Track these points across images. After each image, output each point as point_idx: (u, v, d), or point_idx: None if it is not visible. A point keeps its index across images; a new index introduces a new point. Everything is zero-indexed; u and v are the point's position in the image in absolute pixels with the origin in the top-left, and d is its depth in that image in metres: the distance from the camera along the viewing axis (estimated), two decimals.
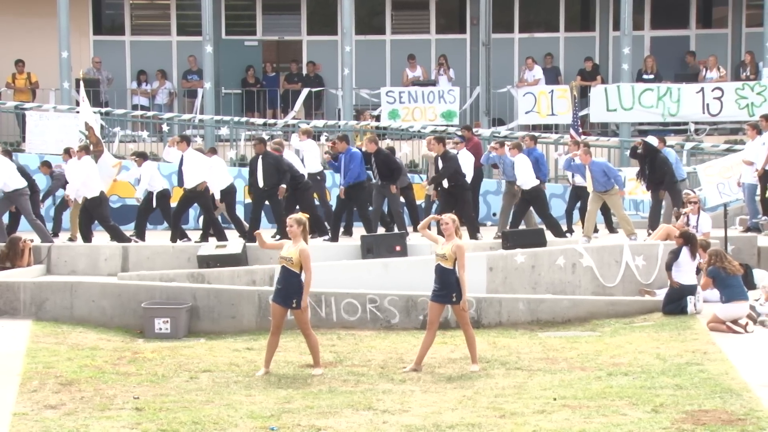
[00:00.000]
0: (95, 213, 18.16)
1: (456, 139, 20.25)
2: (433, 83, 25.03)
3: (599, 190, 17.90)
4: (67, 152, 19.03)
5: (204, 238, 18.52)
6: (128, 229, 18.79)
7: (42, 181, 19.85)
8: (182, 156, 18.48)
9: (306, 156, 19.81)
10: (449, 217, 12.17)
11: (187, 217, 19.71)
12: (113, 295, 14.85)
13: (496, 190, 20.96)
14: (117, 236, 18.06)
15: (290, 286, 11.78)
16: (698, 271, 14.44)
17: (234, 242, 17.67)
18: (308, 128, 20.46)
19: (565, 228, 19.02)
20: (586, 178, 17.94)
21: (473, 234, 18.34)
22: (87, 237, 18.13)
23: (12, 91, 24.85)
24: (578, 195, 19.09)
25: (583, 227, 18.10)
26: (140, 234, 18.69)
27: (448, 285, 11.90)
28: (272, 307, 12.08)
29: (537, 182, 18.59)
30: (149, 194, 19.00)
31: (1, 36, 25.47)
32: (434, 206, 20.33)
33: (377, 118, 23.90)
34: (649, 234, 17.91)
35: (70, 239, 18.71)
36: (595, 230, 18.55)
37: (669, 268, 14.60)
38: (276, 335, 11.95)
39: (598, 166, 18.04)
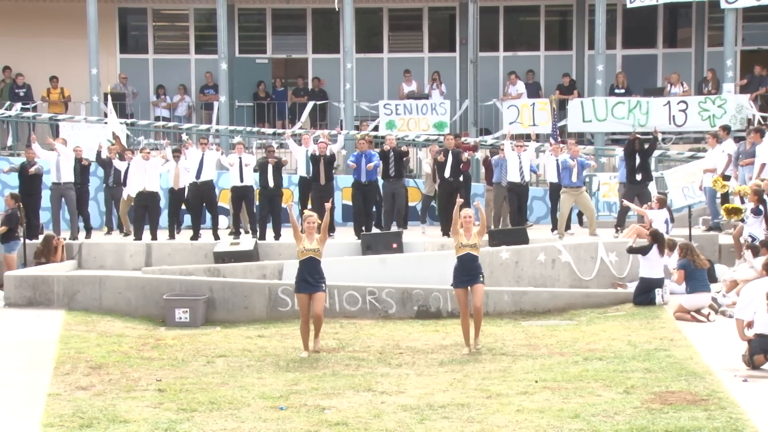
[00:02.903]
0: (152, 205, 18.19)
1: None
2: (426, 97, 24.97)
3: (579, 185, 18.00)
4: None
5: (236, 234, 18.52)
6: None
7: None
8: (240, 158, 18.50)
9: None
10: (471, 211, 12.33)
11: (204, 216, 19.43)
12: (138, 288, 14.84)
13: (482, 192, 20.90)
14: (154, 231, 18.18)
15: (317, 273, 12.07)
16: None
17: (246, 240, 17.63)
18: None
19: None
20: (572, 173, 17.92)
21: None
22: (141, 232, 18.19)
23: (47, 104, 24.82)
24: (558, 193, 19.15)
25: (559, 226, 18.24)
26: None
27: (477, 269, 12.09)
28: (300, 298, 12.12)
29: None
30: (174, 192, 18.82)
31: (37, 55, 25.42)
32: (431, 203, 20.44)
33: (376, 128, 23.89)
34: (617, 230, 17.96)
35: (126, 234, 18.75)
36: (567, 227, 18.59)
37: (630, 251, 14.78)
38: (307, 323, 12.07)
39: (580, 162, 18.23)
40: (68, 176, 18.54)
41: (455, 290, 12.32)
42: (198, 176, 18.26)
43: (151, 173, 18.25)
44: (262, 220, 18.37)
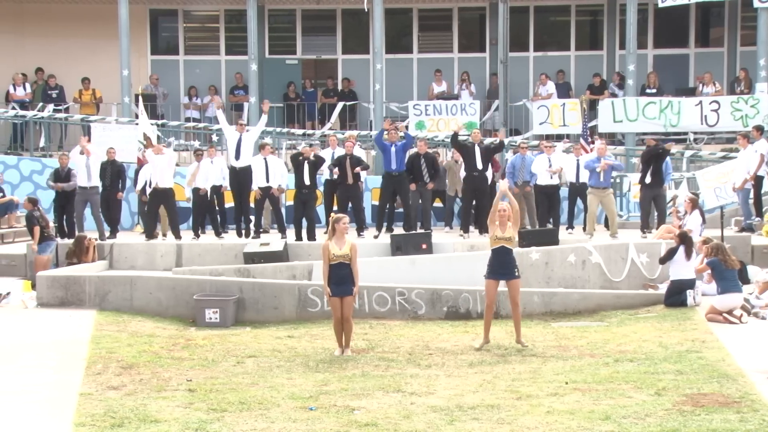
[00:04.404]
0: (168, 203, 17.97)
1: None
2: (456, 97, 24.95)
3: (605, 185, 18.00)
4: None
5: (283, 232, 18.44)
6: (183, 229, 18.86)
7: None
8: (265, 159, 18.52)
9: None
10: (507, 205, 12.37)
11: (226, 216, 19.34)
12: (168, 288, 14.92)
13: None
14: (176, 230, 18.02)
15: (346, 277, 12.08)
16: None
17: (276, 240, 17.68)
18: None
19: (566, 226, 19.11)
20: (600, 174, 17.93)
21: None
22: (152, 230, 18.02)
23: (79, 105, 25.06)
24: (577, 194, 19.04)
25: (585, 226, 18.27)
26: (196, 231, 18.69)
27: (511, 262, 12.22)
28: (332, 301, 12.14)
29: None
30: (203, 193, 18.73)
31: (69, 56, 25.69)
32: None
33: (406, 126, 23.89)
34: (644, 232, 17.88)
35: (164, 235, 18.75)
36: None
37: (663, 262, 14.71)
38: (339, 322, 12.15)
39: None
40: (95, 180, 18.60)
41: (486, 281, 12.36)
42: (237, 157, 18.22)
43: (162, 168, 17.83)
44: (297, 221, 18.22)
